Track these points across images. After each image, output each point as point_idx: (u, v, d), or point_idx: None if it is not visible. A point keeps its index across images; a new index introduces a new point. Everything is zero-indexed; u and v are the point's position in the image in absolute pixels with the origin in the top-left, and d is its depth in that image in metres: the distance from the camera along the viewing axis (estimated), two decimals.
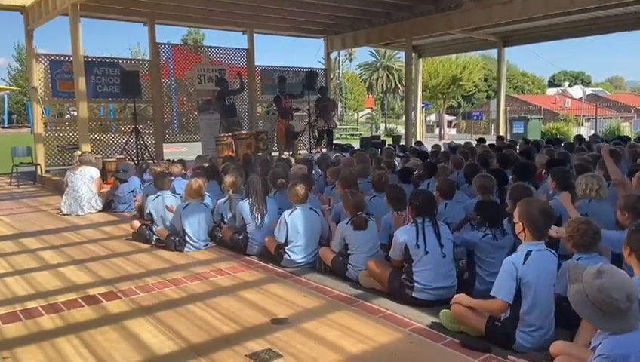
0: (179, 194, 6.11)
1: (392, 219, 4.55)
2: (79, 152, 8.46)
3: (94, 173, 7.86)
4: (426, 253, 3.66)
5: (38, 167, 11.13)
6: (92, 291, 4.17)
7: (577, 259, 3.02)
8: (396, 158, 8.94)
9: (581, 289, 2.12)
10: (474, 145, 9.76)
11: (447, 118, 37.80)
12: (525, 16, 11.46)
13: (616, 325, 2.06)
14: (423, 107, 24.87)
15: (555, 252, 3.10)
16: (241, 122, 12.07)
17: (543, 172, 6.09)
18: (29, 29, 10.85)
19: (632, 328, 2.06)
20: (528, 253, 2.94)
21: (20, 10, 10.78)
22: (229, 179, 5.80)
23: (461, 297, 3.27)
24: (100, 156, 10.40)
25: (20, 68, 35.96)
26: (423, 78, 24.05)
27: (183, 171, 7.42)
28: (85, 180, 7.61)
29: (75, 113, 11.50)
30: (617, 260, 3.24)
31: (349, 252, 4.32)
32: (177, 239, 5.36)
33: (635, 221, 3.41)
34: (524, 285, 2.90)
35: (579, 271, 2.19)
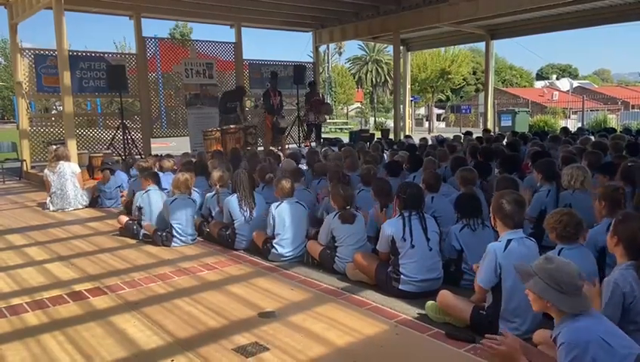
0: (166, 189, 6.08)
1: (374, 216, 4.55)
2: (54, 147, 8.28)
3: (75, 167, 7.73)
4: (412, 246, 3.68)
5: (24, 162, 11.00)
6: (78, 287, 4.14)
7: (560, 250, 3.06)
8: (385, 152, 8.98)
9: (538, 279, 2.20)
10: (461, 139, 9.81)
11: (436, 111, 37.95)
12: (512, 9, 11.48)
13: (578, 303, 2.15)
14: (412, 101, 24.93)
15: (534, 240, 3.16)
16: (240, 119, 11.68)
17: (529, 163, 6.14)
18: (12, 23, 10.66)
19: (588, 307, 2.17)
20: (509, 241, 3.03)
21: (4, 4, 10.60)
22: (216, 174, 5.78)
23: (446, 294, 3.31)
24: (86, 152, 10.31)
25: (4, 62, 35.51)
26: (412, 71, 24.10)
27: (174, 166, 7.37)
28: (68, 177, 7.47)
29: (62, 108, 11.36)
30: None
31: (336, 245, 4.33)
32: (164, 234, 5.33)
33: (611, 211, 3.47)
34: (505, 272, 2.96)
35: (527, 269, 2.28)
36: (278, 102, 12.28)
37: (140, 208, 5.64)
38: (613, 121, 22.32)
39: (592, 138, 9.33)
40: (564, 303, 2.15)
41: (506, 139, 10.04)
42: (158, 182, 5.92)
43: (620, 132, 11.27)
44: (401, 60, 16.15)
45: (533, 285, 2.22)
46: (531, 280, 2.23)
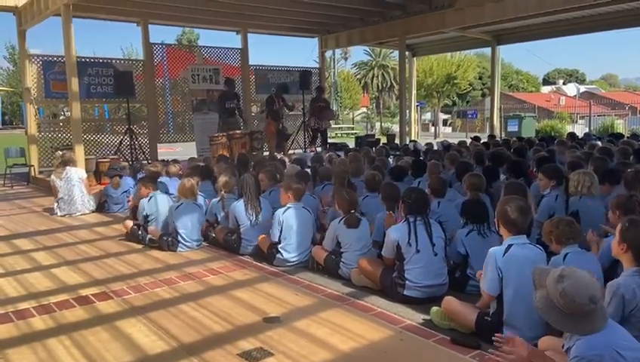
0: (172, 194, 6.10)
1: (385, 220, 4.55)
2: (60, 153, 8.31)
3: (82, 173, 7.76)
4: (418, 251, 3.67)
5: (32, 168, 11.09)
6: (84, 292, 4.17)
7: (565, 255, 3.04)
8: (390, 157, 8.97)
9: (545, 294, 2.14)
10: (467, 144, 9.79)
11: (442, 116, 37.89)
12: (518, 15, 11.47)
13: (583, 328, 2.08)
14: (417, 106, 24.90)
15: (541, 247, 3.14)
16: (240, 124, 11.74)
17: (534, 169, 6.12)
18: (21, 29, 10.79)
19: (599, 328, 2.08)
20: (509, 246, 3.03)
21: (12, 11, 10.72)
22: (222, 179, 5.80)
23: (451, 300, 3.30)
24: (93, 157, 10.38)
25: (13, 68, 35.86)
26: (418, 76, 24.09)
27: (180, 171, 7.40)
28: (75, 182, 7.50)
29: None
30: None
31: (341, 250, 4.33)
32: (170, 239, 5.35)
33: None
34: (505, 278, 2.96)
35: (543, 276, 2.21)
36: (281, 108, 12.31)
37: (146, 216, 5.63)
38: (621, 126, 22.19)
39: (599, 143, 9.28)
40: (567, 326, 2.11)
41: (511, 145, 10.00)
42: (157, 188, 5.92)
43: (628, 137, 11.20)
44: (407, 65, 16.16)
45: (539, 299, 2.17)
46: (538, 293, 2.18)
